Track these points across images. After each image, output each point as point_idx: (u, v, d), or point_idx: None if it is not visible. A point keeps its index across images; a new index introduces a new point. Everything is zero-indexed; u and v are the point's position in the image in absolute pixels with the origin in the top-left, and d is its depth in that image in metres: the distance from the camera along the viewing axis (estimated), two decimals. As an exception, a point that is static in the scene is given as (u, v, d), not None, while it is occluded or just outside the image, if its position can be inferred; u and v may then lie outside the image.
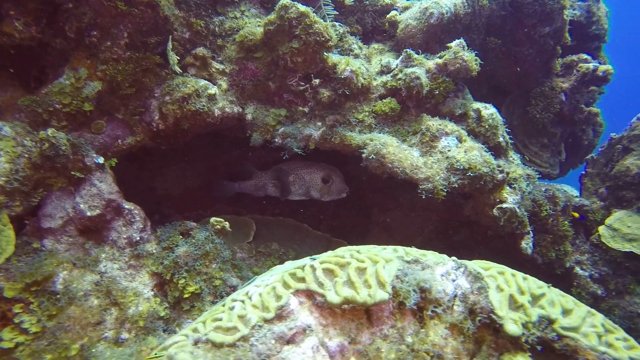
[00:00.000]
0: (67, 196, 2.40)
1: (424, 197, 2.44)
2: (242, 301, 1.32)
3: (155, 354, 1.23)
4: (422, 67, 2.78)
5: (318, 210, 4.02)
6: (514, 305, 1.30)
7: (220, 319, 1.26)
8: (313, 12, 2.62)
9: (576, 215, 3.55)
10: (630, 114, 3.98)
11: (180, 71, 2.64)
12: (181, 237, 2.69)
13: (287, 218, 3.61)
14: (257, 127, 2.84)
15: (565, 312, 1.32)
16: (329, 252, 1.45)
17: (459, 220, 3.71)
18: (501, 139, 2.93)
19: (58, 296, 2.15)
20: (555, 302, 1.32)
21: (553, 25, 3.57)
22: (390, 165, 2.45)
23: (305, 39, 2.62)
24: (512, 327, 1.23)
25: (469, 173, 2.41)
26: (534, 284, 1.37)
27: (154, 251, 2.56)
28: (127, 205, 2.54)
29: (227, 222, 2.74)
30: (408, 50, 2.79)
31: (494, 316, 1.26)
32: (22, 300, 2.07)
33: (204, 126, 2.79)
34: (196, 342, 1.22)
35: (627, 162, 3.71)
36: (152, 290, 2.48)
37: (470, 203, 2.92)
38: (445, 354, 1.28)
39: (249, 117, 2.86)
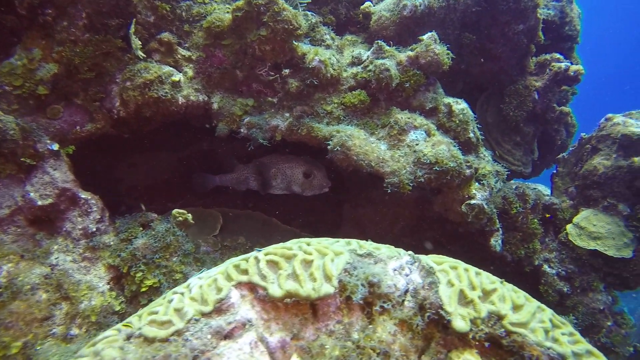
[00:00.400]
0: (17, 184, 2.27)
1: (389, 190, 2.40)
2: (182, 294, 1.25)
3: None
4: (393, 59, 2.73)
5: (292, 205, 3.97)
6: (464, 300, 1.27)
7: (157, 312, 1.19)
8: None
9: (547, 215, 3.58)
10: (602, 114, 4.04)
11: (144, 56, 2.54)
12: (141, 228, 2.59)
13: (256, 212, 3.53)
14: (223, 116, 2.75)
15: (516, 308, 1.30)
16: (278, 244, 1.39)
17: (431, 217, 3.71)
18: (471, 135, 2.92)
19: (0, 290, 2.03)
20: (507, 297, 1.30)
21: (527, 23, 3.58)
22: (355, 158, 2.40)
23: (273, 26, 2.54)
24: (460, 324, 1.20)
25: (436, 167, 2.39)
26: (487, 279, 1.34)
27: (112, 243, 2.46)
28: (84, 195, 2.43)
29: (189, 214, 2.66)
30: (379, 41, 2.74)
31: (442, 312, 1.22)
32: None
33: (168, 114, 2.69)
34: (129, 337, 1.15)
35: (594, 162, 3.76)
36: (108, 283, 2.38)
37: (440, 199, 2.90)
38: (392, 351, 1.24)
39: (215, 106, 2.77)
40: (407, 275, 1.40)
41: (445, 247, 3.94)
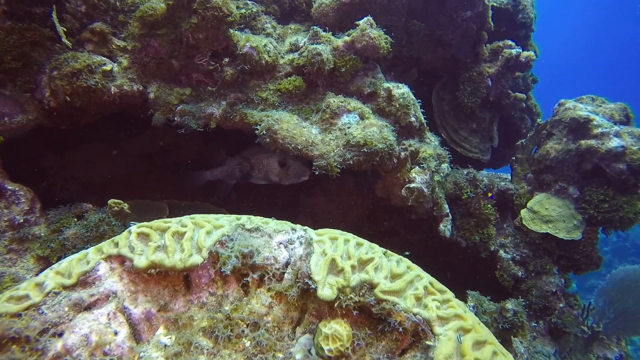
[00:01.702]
0: (-61, 175, 2.24)
1: (317, 172, 2.40)
2: (51, 269, 1.24)
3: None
4: (329, 44, 2.73)
5: (257, 195, 3.98)
6: (336, 270, 1.27)
7: (18, 288, 1.18)
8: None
9: (489, 194, 3.59)
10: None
11: (69, 44, 2.51)
12: (76, 219, 2.57)
13: (204, 202, 3.52)
14: (159, 105, 2.74)
15: (393, 277, 1.29)
16: (159, 219, 1.38)
17: (386, 207, 3.71)
18: (413, 119, 2.92)
19: None
20: (384, 267, 1.30)
21: (475, 9, 3.59)
22: (281, 142, 2.40)
23: (203, 13, 2.53)
24: (326, 292, 1.19)
25: (364, 149, 2.38)
26: (366, 250, 1.34)
27: (42, 234, 2.44)
28: (10, 186, 2.40)
29: (126, 204, 2.64)
30: (315, 27, 2.74)
31: (308, 280, 1.22)
32: None
33: (102, 104, 2.67)
34: (-12, 313, 1.13)
35: (547, 146, 3.78)
36: (37, 275, 2.35)
37: (380, 183, 2.90)
38: (263, 322, 1.23)
39: (151, 95, 2.75)
40: (293, 249, 1.39)
41: (402, 236, 3.95)
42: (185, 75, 2.87)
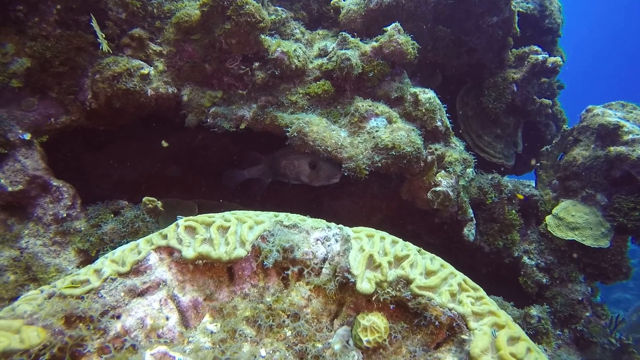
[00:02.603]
0: (-10, 171, 2.39)
1: (346, 174, 2.46)
2: (106, 257, 1.32)
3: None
4: (357, 50, 2.79)
5: (281, 196, 4.06)
6: (373, 265, 1.32)
7: (78, 274, 1.27)
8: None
9: (520, 197, 3.57)
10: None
11: (108, 49, 2.64)
12: (112, 215, 2.69)
13: (231, 202, 3.61)
14: (192, 108, 2.84)
15: (427, 273, 1.33)
16: (204, 214, 1.46)
17: (409, 210, 3.73)
18: (439, 123, 2.95)
19: (-30, 270, 2.14)
20: (419, 264, 1.34)
21: (501, 15, 3.60)
22: (312, 144, 2.46)
23: (236, 20, 2.63)
24: (365, 285, 1.24)
25: (392, 152, 2.43)
26: (401, 247, 1.39)
27: (82, 228, 2.56)
28: (55, 182, 2.54)
29: (159, 202, 2.75)
30: (343, 33, 2.81)
31: (348, 275, 1.27)
32: None
33: (139, 106, 2.79)
34: (50, 296, 1.22)
35: (574, 153, 3.75)
36: (78, 267, 2.48)
37: (406, 186, 2.93)
38: (302, 313, 1.29)
39: (184, 98, 2.86)
40: (329, 246, 1.45)
41: (424, 239, 3.96)
42: (216, 79, 2.97)
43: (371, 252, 1.31)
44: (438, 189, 2.79)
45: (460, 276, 1.34)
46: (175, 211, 3.29)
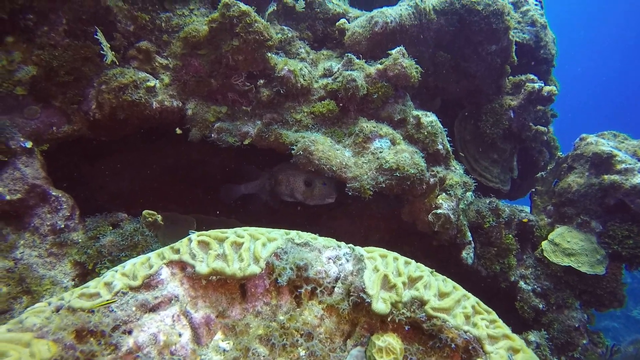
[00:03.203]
0: (-12, 179, 2.34)
1: (350, 193, 2.46)
2: (115, 271, 1.29)
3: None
4: (362, 72, 2.84)
5: (278, 214, 4.03)
6: (388, 285, 1.31)
7: (88, 287, 1.23)
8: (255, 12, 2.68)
9: (525, 221, 3.61)
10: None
11: (114, 60, 2.64)
12: (111, 228, 2.64)
13: (230, 218, 3.58)
14: (197, 122, 2.84)
15: (441, 295, 1.33)
16: (216, 230, 1.44)
17: (406, 231, 3.74)
18: (440, 147, 2.99)
19: (-39, 280, 2.07)
20: (432, 285, 1.33)
21: (499, 44, 3.71)
22: (317, 162, 2.47)
23: (245, 37, 2.67)
24: (380, 306, 1.23)
25: (397, 173, 2.45)
26: (414, 268, 1.38)
27: (80, 240, 2.51)
28: (54, 192, 2.49)
29: (159, 216, 2.71)
30: (349, 54, 2.86)
31: (363, 295, 1.26)
32: None
33: (143, 118, 2.78)
34: (58, 309, 1.19)
35: (569, 180, 3.82)
36: (73, 279, 2.41)
37: (407, 208, 2.95)
38: (316, 333, 1.26)
39: (189, 112, 2.87)
40: (341, 265, 1.44)
41: (421, 262, 3.96)
42: (221, 94, 2.99)
43: (386, 273, 1.31)
44: (439, 211, 2.81)
45: (473, 299, 1.34)
46: (174, 226, 3.25)
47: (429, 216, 2.83)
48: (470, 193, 3.29)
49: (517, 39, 4.28)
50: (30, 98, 2.57)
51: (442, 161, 3.07)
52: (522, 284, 3.75)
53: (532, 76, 4.08)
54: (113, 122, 2.75)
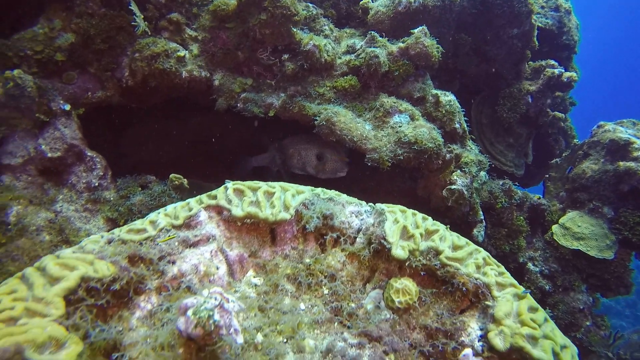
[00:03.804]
0: (31, 138, 2.50)
1: (369, 164, 2.57)
2: (159, 212, 1.43)
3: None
4: (385, 49, 2.92)
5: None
6: (406, 235, 1.42)
7: (135, 224, 1.37)
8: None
9: (538, 197, 3.70)
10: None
11: (146, 30, 2.76)
12: (140, 188, 2.80)
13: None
14: (223, 92, 2.96)
15: (455, 248, 1.44)
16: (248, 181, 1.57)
17: (421, 209, 3.83)
18: (457, 125, 3.07)
19: (9, 227, 2.25)
20: (447, 238, 1.44)
21: (521, 27, 3.73)
22: (339, 133, 2.58)
23: (272, 11, 2.76)
24: (399, 252, 1.35)
25: (415, 147, 2.54)
26: (431, 223, 1.49)
27: (112, 198, 2.67)
28: (89, 153, 2.65)
29: (185, 180, 2.86)
30: (372, 32, 2.93)
31: (384, 241, 1.38)
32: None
33: (172, 86, 2.91)
34: (109, 242, 1.33)
35: (583, 166, 3.86)
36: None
37: (422, 183, 3.04)
38: (338, 275, 1.39)
39: (216, 82, 2.98)
40: (362, 219, 1.56)
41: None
42: (247, 67, 3.09)
43: (405, 224, 1.42)
44: (453, 187, 2.90)
45: (484, 252, 1.45)
46: (199, 191, 3.39)
47: (443, 191, 2.92)
48: (484, 173, 3.36)
49: (540, 24, 4.27)
50: (68, 64, 2.71)
51: (458, 140, 3.15)
52: (530, 265, 3.84)
53: (552, 62, 4.09)
54: (144, 90, 2.89)
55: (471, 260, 1.39)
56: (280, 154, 3.49)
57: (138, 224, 1.36)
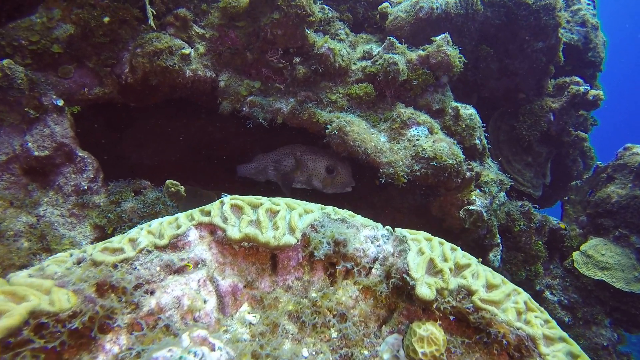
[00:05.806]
0: (17, 134, 2.31)
1: (382, 181, 2.34)
2: (142, 228, 1.21)
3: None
4: (404, 56, 2.71)
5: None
6: (433, 270, 1.19)
7: (112, 241, 1.16)
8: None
9: (563, 226, 3.44)
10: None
11: (154, 27, 2.58)
12: (133, 194, 2.59)
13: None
14: (228, 95, 2.77)
15: (489, 287, 1.21)
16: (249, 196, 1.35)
17: (433, 228, 3.60)
18: (477, 141, 2.85)
19: (-16, 231, 2.04)
20: (480, 275, 1.21)
21: (547, 41, 3.52)
22: (352, 144, 2.36)
23: (286, 10, 2.57)
24: (425, 290, 1.12)
25: (434, 163, 2.32)
26: (461, 255, 1.26)
27: (101, 203, 2.46)
28: (81, 153, 2.45)
29: (182, 187, 2.65)
30: (391, 38, 2.73)
31: (407, 277, 1.15)
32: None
33: (174, 86, 2.72)
34: (79, 261, 1.11)
35: (608, 190, 3.61)
36: (92, 242, 2.36)
37: (437, 202, 2.81)
38: (350, 315, 1.16)
39: (221, 84, 2.79)
40: (379, 246, 1.33)
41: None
42: (255, 69, 2.90)
43: (431, 256, 1.19)
44: (472, 207, 2.67)
45: (525, 294, 1.22)
46: (196, 199, 3.19)
47: (461, 212, 2.69)
48: (503, 193, 3.13)
49: (565, 39, 4.06)
50: (65, 57, 2.52)
51: (477, 157, 2.93)
52: (547, 294, 3.58)
53: (577, 78, 3.87)
54: (144, 88, 2.69)
55: (510, 303, 1.16)
56: (276, 165, 3.16)
57: (116, 241, 1.15)
